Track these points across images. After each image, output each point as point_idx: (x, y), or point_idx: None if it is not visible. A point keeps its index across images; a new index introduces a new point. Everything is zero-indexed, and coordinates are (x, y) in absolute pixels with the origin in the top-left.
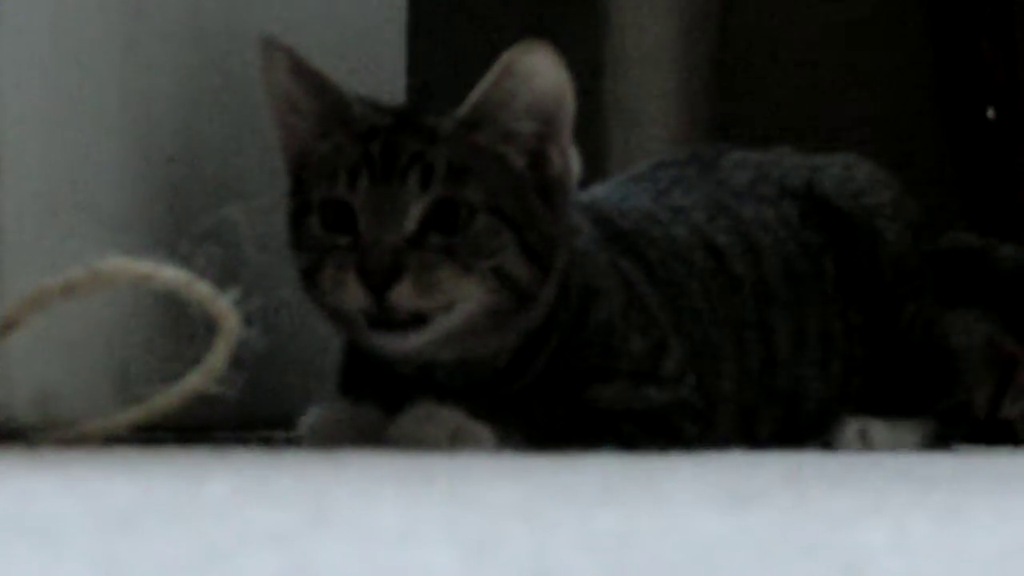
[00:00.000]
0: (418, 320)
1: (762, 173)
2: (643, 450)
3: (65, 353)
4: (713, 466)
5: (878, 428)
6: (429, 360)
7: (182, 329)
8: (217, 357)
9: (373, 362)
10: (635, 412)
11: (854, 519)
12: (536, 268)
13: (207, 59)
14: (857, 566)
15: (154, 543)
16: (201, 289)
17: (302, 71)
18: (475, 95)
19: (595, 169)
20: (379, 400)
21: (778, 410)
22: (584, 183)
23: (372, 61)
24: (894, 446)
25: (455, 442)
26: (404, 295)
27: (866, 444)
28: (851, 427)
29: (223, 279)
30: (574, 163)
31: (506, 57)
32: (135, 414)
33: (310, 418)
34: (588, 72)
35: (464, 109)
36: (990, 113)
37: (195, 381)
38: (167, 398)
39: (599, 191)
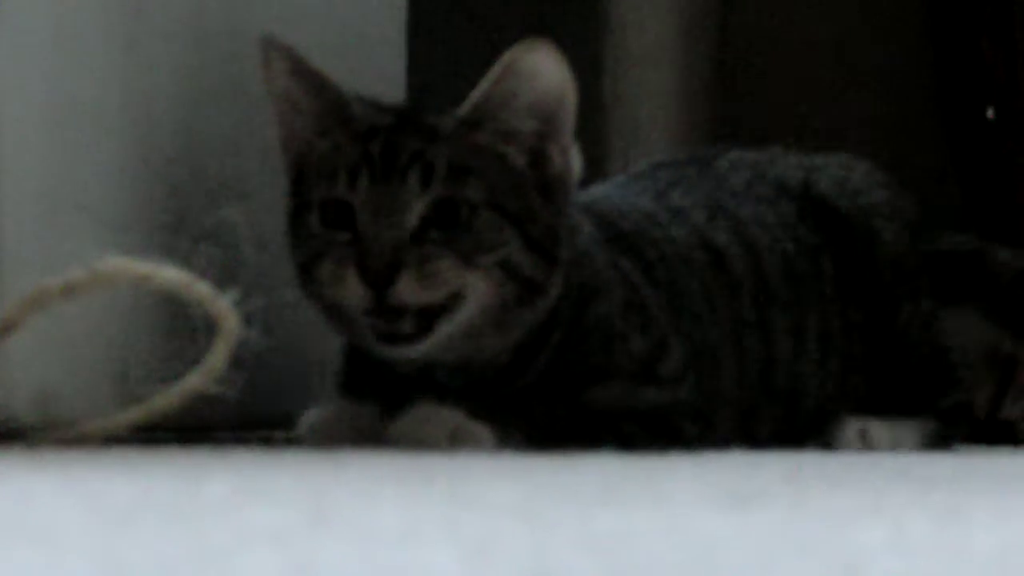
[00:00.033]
0: (423, 328)
1: (759, 173)
2: (643, 450)
3: (65, 353)
4: (713, 466)
5: (878, 428)
6: (430, 361)
7: (182, 329)
8: (217, 357)
9: (373, 362)
10: (635, 412)
11: (854, 519)
12: (541, 260)
13: (207, 59)
14: (856, 566)
15: (154, 543)
16: (201, 289)
17: (302, 70)
18: (476, 94)
19: (595, 169)
20: (379, 400)
21: (778, 410)
22: (584, 183)
23: (372, 61)
24: (894, 446)
25: (455, 442)
26: (405, 290)
27: (866, 444)
28: (851, 427)
29: (223, 279)
30: (575, 162)
31: (507, 56)
32: (135, 414)
33: (310, 418)
34: (588, 71)
35: (465, 108)
36: (990, 113)
37: (195, 381)
38: (167, 398)
39: (599, 191)
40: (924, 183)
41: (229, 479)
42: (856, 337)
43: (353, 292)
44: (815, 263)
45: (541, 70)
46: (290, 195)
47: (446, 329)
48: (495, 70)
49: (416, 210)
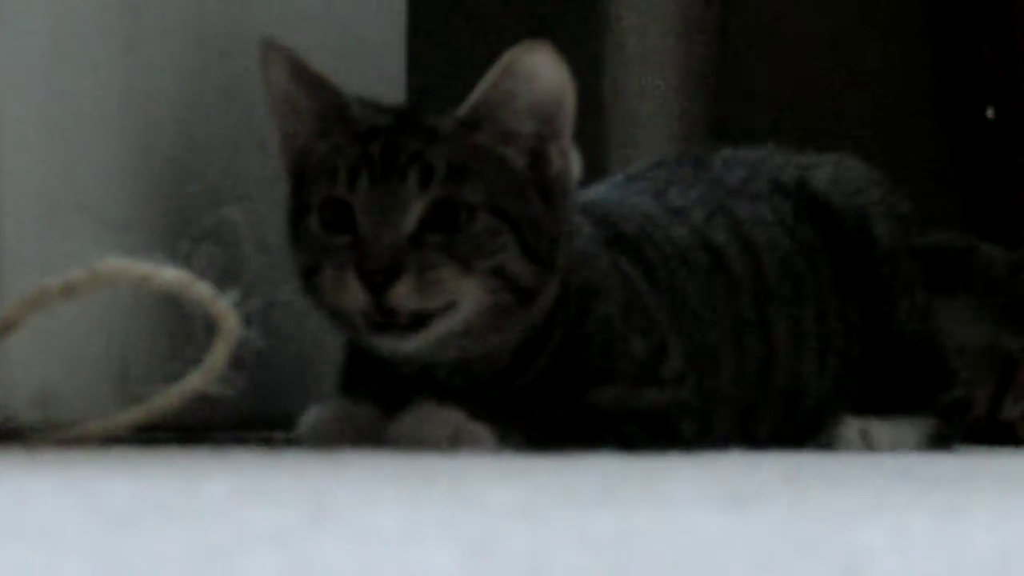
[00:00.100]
0: (418, 322)
1: (754, 171)
2: (643, 450)
3: (65, 353)
4: (713, 466)
5: (879, 428)
6: (430, 360)
7: (182, 329)
8: (217, 357)
9: (373, 362)
10: (635, 413)
11: (854, 519)
12: (537, 267)
13: (207, 59)
14: (857, 566)
15: (154, 543)
16: (201, 289)
17: (301, 72)
18: (475, 95)
19: (595, 169)
20: (379, 400)
21: (777, 409)
22: (584, 183)
23: (372, 62)
24: (895, 446)
25: (455, 442)
26: (403, 295)
27: (867, 444)
28: (852, 427)
29: (223, 279)
30: (574, 163)
31: (507, 57)
32: (135, 414)
33: (310, 418)
34: (588, 72)
35: (464, 109)
36: (990, 113)
37: (195, 381)
38: (167, 398)
39: (597, 192)
40: (924, 183)
41: (229, 479)
42: (854, 335)
43: (353, 295)
44: (812, 261)
45: (540, 71)
46: (290, 197)
47: (440, 329)
48: (494, 71)
49: (415, 211)
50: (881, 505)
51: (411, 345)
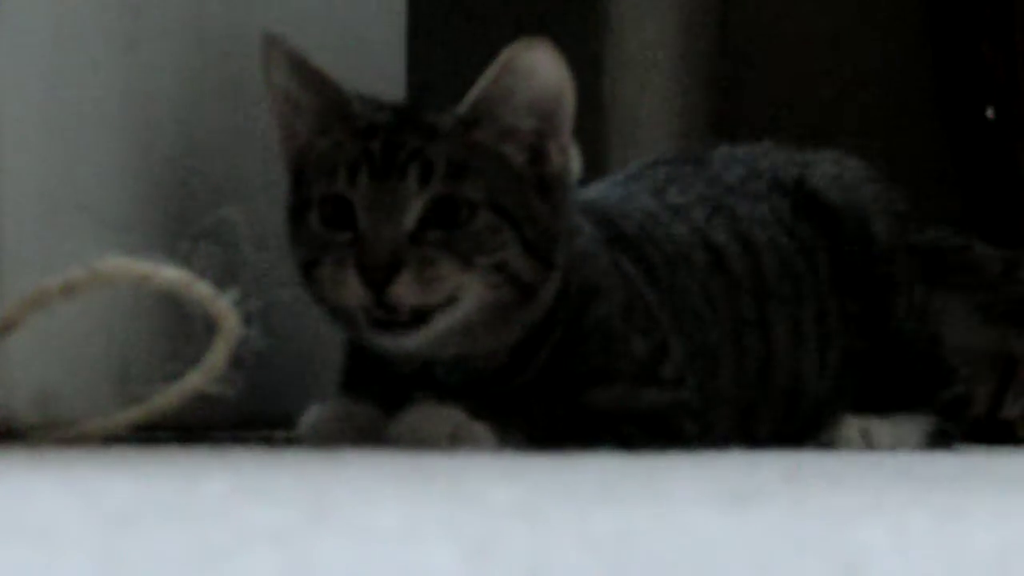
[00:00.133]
0: (418, 318)
1: (752, 169)
2: (642, 450)
3: (65, 353)
4: (712, 465)
5: (880, 427)
6: (429, 357)
7: (182, 329)
8: (217, 357)
9: (374, 360)
10: (634, 413)
11: (854, 518)
12: (537, 264)
13: (207, 59)
14: (857, 565)
15: (154, 542)
16: (201, 289)
17: (302, 68)
18: (475, 92)
19: (595, 168)
20: (380, 399)
21: (777, 408)
22: (584, 181)
23: (372, 60)
24: (896, 444)
25: (455, 441)
26: (403, 291)
27: (868, 443)
28: (853, 426)
29: (223, 279)
30: (574, 160)
31: (506, 54)
32: (135, 413)
33: (310, 417)
34: (588, 70)
35: (464, 106)
36: (990, 113)
37: (195, 381)
38: (167, 398)
39: (596, 190)
40: (924, 183)
41: (229, 478)
42: (853, 332)
43: (353, 292)
44: (811, 259)
45: (539, 68)
46: (290, 194)
47: (441, 325)
48: (493, 68)
49: (415, 208)
50: (881, 504)
51: (411, 342)
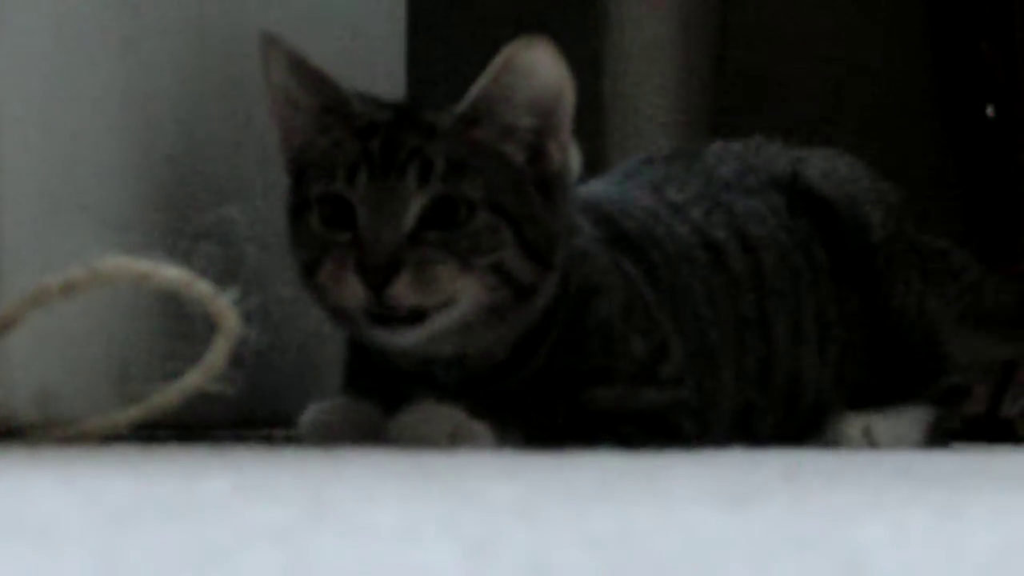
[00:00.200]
0: (416, 316)
1: (747, 164)
2: (642, 450)
3: (65, 352)
4: (712, 464)
5: (881, 424)
6: (427, 355)
7: (182, 328)
8: (217, 355)
9: (374, 359)
10: (633, 413)
11: (854, 516)
12: (535, 264)
13: (207, 58)
14: (857, 563)
15: (154, 540)
16: (201, 288)
17: (301, 67)
18: (474, 90)
19: (595, 166)
20: (380, 398)
21: (777, 405)
22: (581, 180)
23: (372, 59)
24: (898, 440)
25: (454, 440)
26: (402, 291)
27: (870, 441)
28: (854, 425)
29: (222, 278)
30: (573, 159)
31: (506, 52)
32: (135, 412)
33: (310, 415)
34: (588, 69)
35: (463, 105)
36: (990, 112)
37: (195, 379)
38: (167, 396)
39: (595, 189)
40: (924, 182)
41: (229, 477)
42: (852, 325)
43: (352, 292)
44: (808, 254)
45: (539, 66)
46: (290, 194)
47: (438, 323)
48: (493, 67)
49: (414, 208)
50: (881, 502)
51: (408, 338)
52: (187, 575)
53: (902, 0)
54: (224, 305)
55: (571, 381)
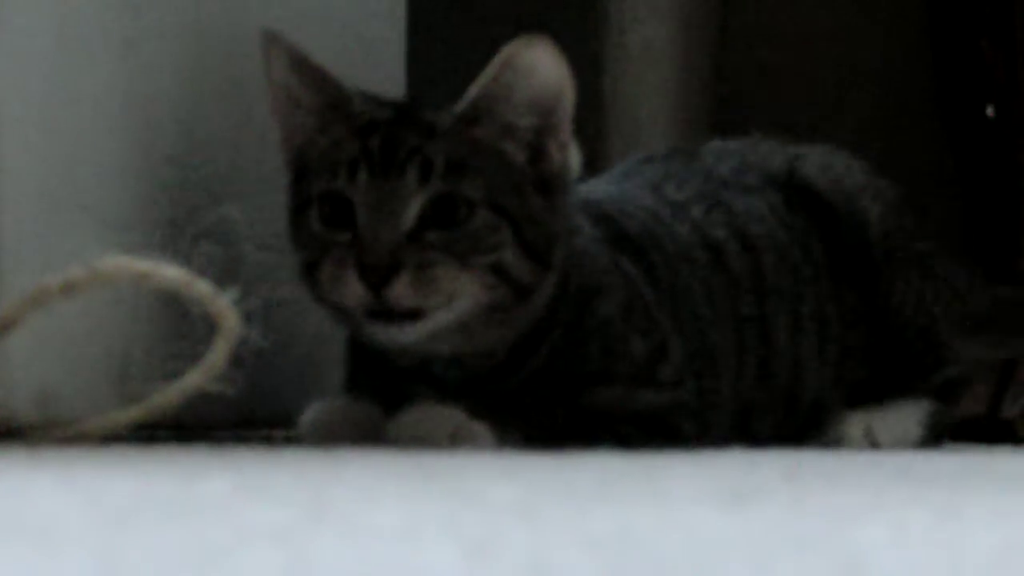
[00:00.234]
0: (415, 313)
1: (744, 162)
2: (641, 450)
3: (65, 353)
4: (712, 464)
5: (882, 424)
6: (426, 354)
7: (182, 328)
8: (217, 355)
9: (375, 358)
10: (632, 414)
11: (854, 517)
12: (535, 264)
13: (207, 58)
14: (857, 563)
15: (154, 540)
16: (201, 288)
17: (302, 65)
18: (474, 89)
19: (595, 166)
20: (380, 398)
21: (777, 404)
22: (583, 179)
23: (372, 59)
24: (899, 439)
25: (454, 441)
26: (402, 291)
27: (872, 441)
28: (855, 425)
29: (222, 278)
30: (573, 158)
31: (506, 51)
32: (135, 412)
33: (310, 415)
34: (588, 69)
35: (463, 104)
36: (990, 112)
37: (195, 379)
38: (167, 396)
39: (595, 188)
40: (924, 182)
41: (229, 477)
42: (851, 322)
43: (352, 292)
44: (807, 250)
45: (539, 66)
46: (290, 192)
47: (437, 321)
48: (493, 66)
49: (414, 207)
50: (881, 503)
51: (407, 336)
52: (187, 575)
53: (902, 0)
54: (224, 305)
55: (571, 381)
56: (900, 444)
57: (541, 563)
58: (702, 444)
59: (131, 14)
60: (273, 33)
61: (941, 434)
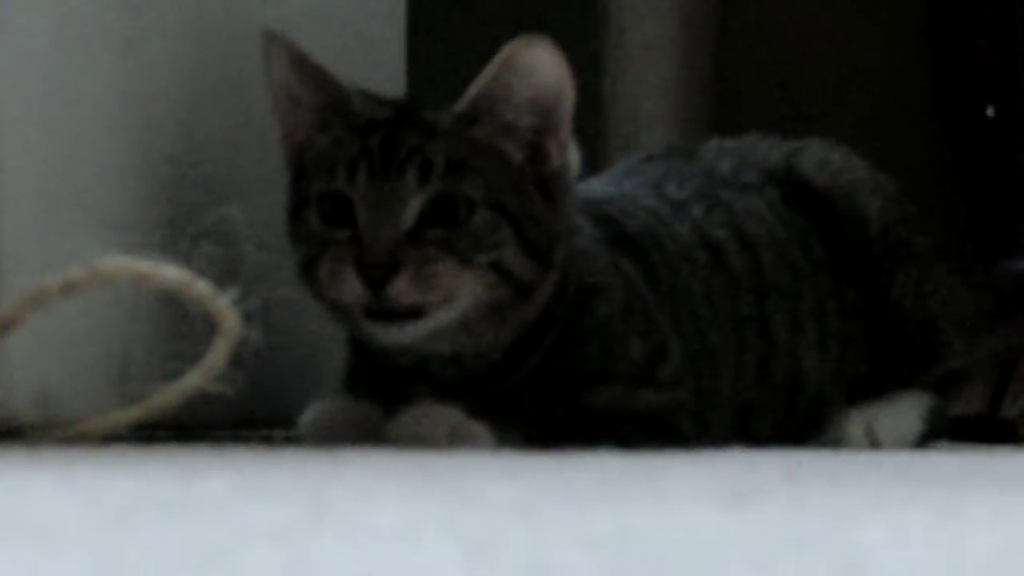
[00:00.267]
0: (414, 312)
1: (743, 159)
2: (640, 450)
3: (65, 353)
4: (712, 464)
5: (882, 422)
6: (426, 352)
7: (182, 328)
8: (217, 356)
9: (374, 358)
10: (631, 414)
11: (854, 516)
12: (535, 263)
13: (207, 58)
14: (857, 563)
15: (153, 540)
16: (201, 288)
17: (303, 64)
18: (474, 89)
19: (595, 166)
20: (380, 398)
21: (777, 403)
22: (582, 178)
23: (372, 58)
24: (900, 437)
25: (454, 441)
26: (402, 290)
27: (873, 440)
28: (856, 425)
29: (222, 278)
30: (573, 158)
31: (505, 51)
32: (135, 412)
33: (310, 415)
34: (588, 69)
35: (463, 103)
36: (989, 112)
37: (195, 379)
38: (167, 397)
39: (595, 188)
40: (924, 182)
41: (229, 477)
42: (850, 317)
43: (351, 290)
44: (806, 247)
45: (538, 65)
46: (290, 191)
47: (436, 320)
48: (493, 65)
49: (414, 206)
50: (881, 503)
51: (407, 334)
52: (187, 575)
53: (902, 0)
54: (224, 305)
55: (570, 381)
56: (900, 441)
57: (541, 563)
58: (702, 444)
59: (131, 14)
60: (273, 32)
61: (939, 428)
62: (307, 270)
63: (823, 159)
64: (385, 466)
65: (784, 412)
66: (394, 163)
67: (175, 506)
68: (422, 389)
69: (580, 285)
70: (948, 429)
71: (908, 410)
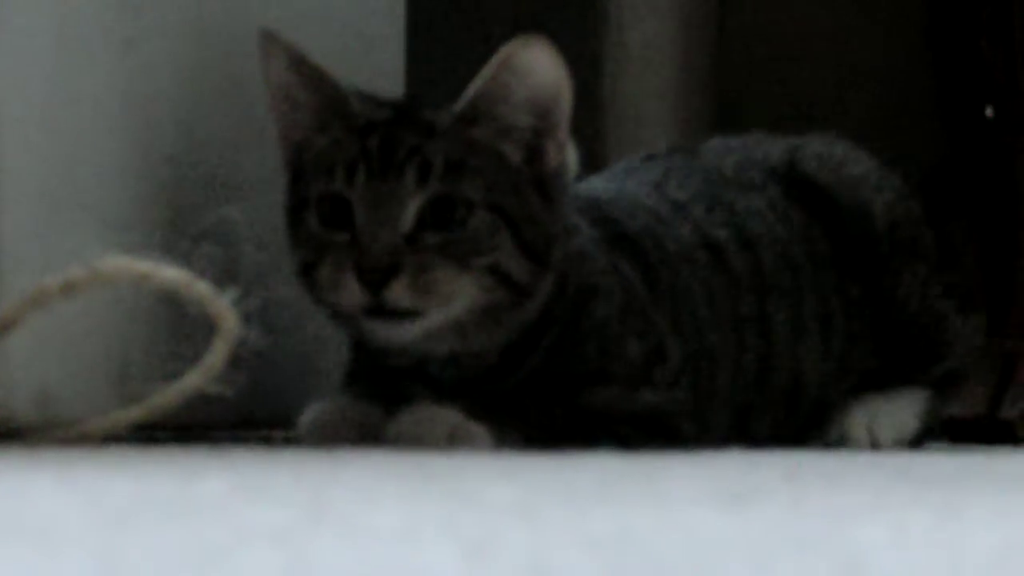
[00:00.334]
0: (413, 312)
1: (745, 158)
2: (639, 450)
3: (65, 353)
4: (711, 465)
5: (882, 422)
6: (424, 353)
7: (182, 328)
8: (216, 356)
9: (374, 358)
10: (631, 414)
11: (854, 517)
12: (532, 264)
13: (207, 58)
14: (857, 564)
15: (153, 541)
16: (200, 288)
17: (301, 65)
18: (472, 89)
19: (594, 166)
20: (379, 398)
21: (777, 403)
22: (581, 178)
23: (372, 59)
24: (901, 436)
25: (453, 442)
26: (400, 293)
27: (874, 440)
28: (858, 425)
29: (222, 278)
30: (571, 158)
31: (504, 51)
32: (134, 413)
33: (309, 415)
34: (587, 69)
35: (461, 104)
36: (989, 112)
37: (194, 380)
38: (166, 397)
39: (594, 187)
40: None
41: (228, 477)
42: (854, 315)
43: (351, 293)
44: (809, 244)
45: (536, 66)
46: (289, 193)
47: (434, 320)
48: (491, 66)
49: (412, 208)
50: (881, 503)
51: (406, 333)
52: (187, 575)
53: (902, 0)
54: (224, 306)
55: (568, 382)
56: (900, 439)
57: (541, 563)
58: (701, 444)
59: (131, 14)
60: (271, 33)
61: (935, 426)
62: (306, 273)
63: (825, 153)
64: (384, 467)
65: (784, 412)
66: (393, 164)
67: (175, 506)
68: (421, 390)
69: (578, 286)
70: (948, 430)
71: (907, 408)
